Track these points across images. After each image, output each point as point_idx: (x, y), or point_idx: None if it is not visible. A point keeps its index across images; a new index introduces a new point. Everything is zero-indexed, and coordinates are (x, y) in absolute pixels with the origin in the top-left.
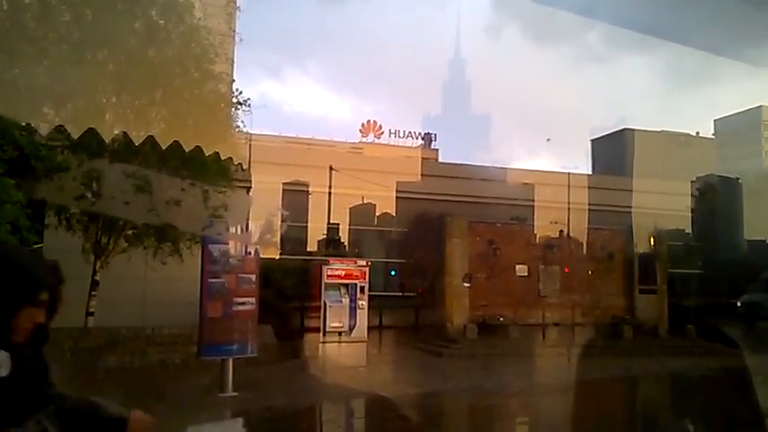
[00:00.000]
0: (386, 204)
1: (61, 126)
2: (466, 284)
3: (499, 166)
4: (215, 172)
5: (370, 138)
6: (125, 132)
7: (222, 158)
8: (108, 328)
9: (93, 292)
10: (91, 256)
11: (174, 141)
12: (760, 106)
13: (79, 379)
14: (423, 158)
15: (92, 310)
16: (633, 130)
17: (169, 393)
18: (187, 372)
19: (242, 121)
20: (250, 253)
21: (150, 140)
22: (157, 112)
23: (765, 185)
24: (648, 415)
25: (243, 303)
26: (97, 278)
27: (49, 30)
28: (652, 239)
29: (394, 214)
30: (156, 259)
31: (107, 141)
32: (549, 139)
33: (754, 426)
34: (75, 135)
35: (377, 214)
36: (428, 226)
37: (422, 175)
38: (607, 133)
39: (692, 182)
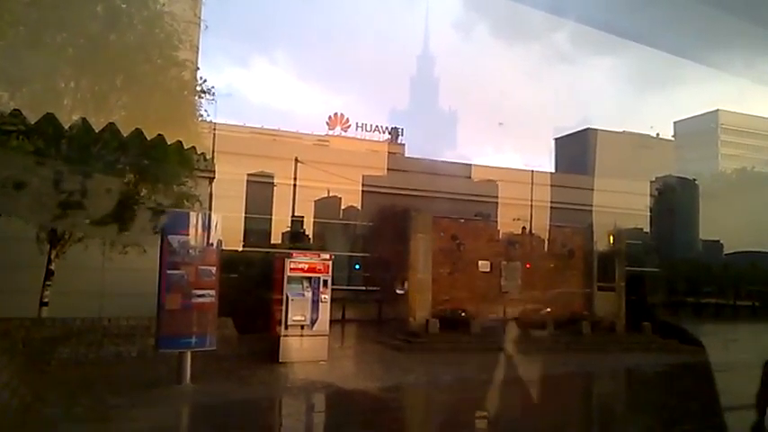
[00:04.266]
0: (351, 198)
1: (17, 110)
2: (399, 291)
3: (465, 162)
4: (177, 161)
5: (337, 131)
6: (84, 118)
7: (185, 147)
8: (62, 319)
9: (47, 282)
10: (46, 244)
11: (136, 129)
12: (717, 110)
13: (31, 371)
14: (389, 153)
15: (46, 300)
16: (596, 130)
17: (124, 386)
18: (144, 364)
19: (206, 110)
20: (212, 244)
21: (110, 127)
22: (118, 98)
23: (720, 187)
24: (605, 408)
25: (203, 295)
26: (52, 267)
27: (6, 11)
28: (611, 238)
29: (359, 208)
30: (114, 249)
31: (65, 127)
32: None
33: (711, 419)
34: (33, 120)
35: (342, 207)
36: (393, 220)
37: (388, 169)
38: (570, 132)
39: (651, 182)
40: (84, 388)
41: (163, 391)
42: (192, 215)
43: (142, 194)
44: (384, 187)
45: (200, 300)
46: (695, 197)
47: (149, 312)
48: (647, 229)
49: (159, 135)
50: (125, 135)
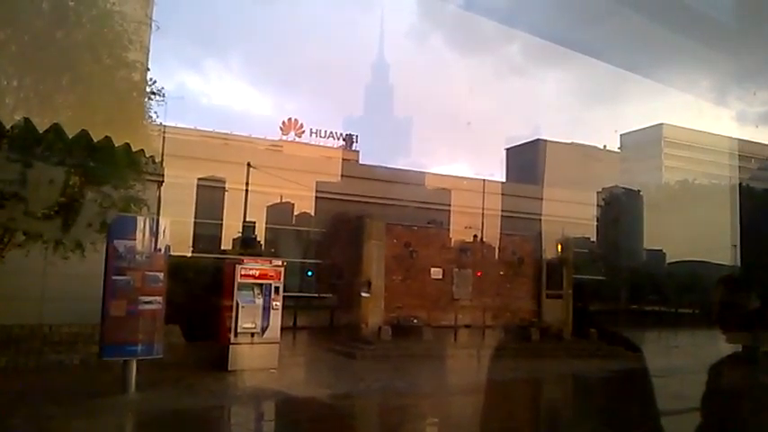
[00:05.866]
0: (304, 204)
1: None
2: (364, 294)
3: (418, 170)
4: (125, 164)
5: (291, 136)
6: (27, 118)
7: (133, 150)
8: (0, 326)
9: None
10: None
11: (82, 130)
12: (661, 124)
13: None
14: (343, 159)
15: None
16: (545, 140)
17: (66, 396)
18: (87, 373)
19: (155, 113)
20: (159, 250)
21: (55, 128)
22: (64, 98)
23: (664, 198)
24: (551, 412)
25: (149, 302)
26: None
27: None
28: (559, 246)
29: (312, 214)
30: (56, 254)
31: (6, 127)
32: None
33: (649, 423)
34: None
35: (295, 213)
36: (346, 227)
37: (342, 175)
38: (521, 143)
39: (597, 192)
40: (22, 398)
41: (106, 401)
42: (140, 219)
43: (87, 197)
44: (338, 194)
45: (147, 306)
46: (640, 208)
47: (93, 319)
48: (593, 238)
49: (106, 137)
50: (71, 136)
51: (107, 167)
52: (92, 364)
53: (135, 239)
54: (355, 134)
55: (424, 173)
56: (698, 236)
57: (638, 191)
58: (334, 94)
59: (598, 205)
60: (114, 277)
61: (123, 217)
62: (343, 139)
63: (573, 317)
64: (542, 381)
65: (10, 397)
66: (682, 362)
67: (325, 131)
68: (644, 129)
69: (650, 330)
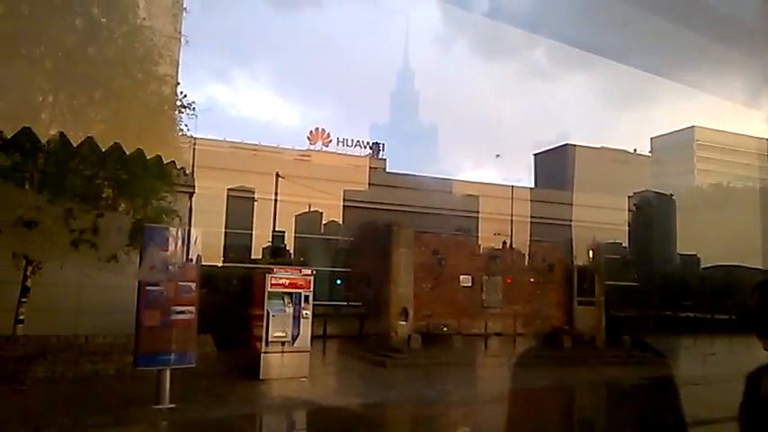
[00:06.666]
0: (333, 213)
1: None
2: (402, 323)
3: (445, 177)
4: (157, 176)
5: (319, 145)
6: (62, 132)
7: (164, 162)
8: (38, 337)
9: (23, 299)
10: (22, 260)
11: (115, 143)
12: (693, 126)
13: (4, 390)
14: (370, 168)
15: (21, 317)
16: (574, 145)
17: (101, 405)
18: (122, 382)
19: (186, 125)
20: (191, 260)
21: (89, 141)
22: (97, 112)
23: (696, 202)
24: (585, 422)
25: (182, 312)
26: (28, 284)
27: None
28: (590, 252)
29: (341, 223)
30: (91, 265)
31: (42, 141)
32: (498, 155)
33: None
34: (9, 134)
35: (323, 222)
36: (374, 235)
37: (369, 184)
38: (549, 148)
39: (628, 197)
40: (59, 407)
41: (141, 410)
42: (172, 230)
43: (120, 209)
44: (365, 202)
45: (180, 316)
46: (672, 212)
47: (128, 329)
48: (625, 243)
49: (138, 149)
50: (104, 149)
51: (139, 179)
52: (126, 374)
53: (167, 250)
54: (382, 142)
55: (451, 180)
56: (733, 239)
57: (671, 194)
58: (361, 102)
59: (629, 210)
60: (148, 288)
61: (156, 228)
62: (370, 148)
63: (605, 324)
64: (575, 389)
65: (48, 406)
66: (719, 370)
67: (353, 140)
68: (675, 132)
69: (685, 337)
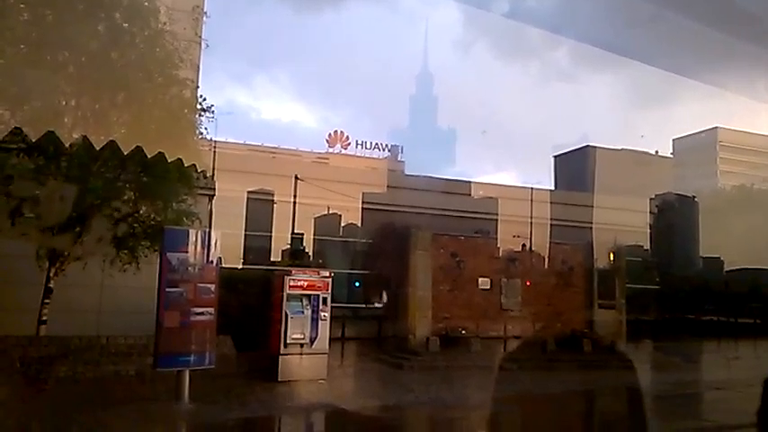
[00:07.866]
0: (351, 215)
1: (18, 128)
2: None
3: (464, 179)
4: (177, 179)
5: (337, 148)
6: (85, 136)
7: (185, 165)
8: (60, 337)
9: (46, 300)
10: (45, 262)
11: (136, 146)
12: (716, 127)
13: (28, 390)
14: (389, 170)
15: (44, 318)
16: (595, 147)
17: (122, 405)
18: (142, 383)
19: (206, 128)
20: (211, 262)
21: (111, 145)
22: (119, 116)
23: (720, 204)
24: (605, 427)
25: (201, 313)
26: (51, 285)
27: (7, 29)
28: (611, 255)
29: (359, 225)
30: (113, 267)
31: (66, 145)
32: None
33: None
34: (33, 138)
35: (342, 225)
36: (393, 237)
37: (388, 186)
38: (569, 150)
39: (650, 199)
40: (81, 407)
41: (161, 411)
42: (192, 233)
43: (142, 212)
44: (384, 204)
45: (199, 317)
46: (695, 214)
47: (148, 330)
48: (647, 246)
49: (159, 152)
50: (125, 152)
51: (160, 182)
52: (146, 375)
53: (187, 252)
54: (400, 144)
55: (470, 182)
56: (757, 242)
57: (693, 197)
58: (380, 105)
59: (651, 212)
60: (168, 289)
61: (176, 230)
62: (389, 150)
63: (626, 327)
64: (595, 393)
65: (69, 406)
66: (743, 374)
67: (371, 143)
68: (698, 133)
69: (708, 341)
